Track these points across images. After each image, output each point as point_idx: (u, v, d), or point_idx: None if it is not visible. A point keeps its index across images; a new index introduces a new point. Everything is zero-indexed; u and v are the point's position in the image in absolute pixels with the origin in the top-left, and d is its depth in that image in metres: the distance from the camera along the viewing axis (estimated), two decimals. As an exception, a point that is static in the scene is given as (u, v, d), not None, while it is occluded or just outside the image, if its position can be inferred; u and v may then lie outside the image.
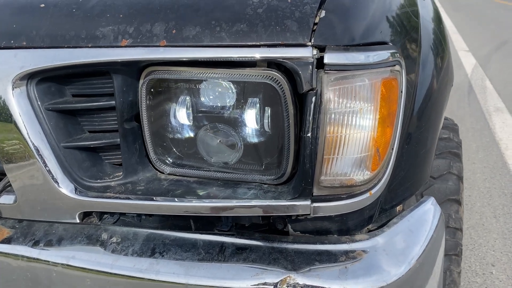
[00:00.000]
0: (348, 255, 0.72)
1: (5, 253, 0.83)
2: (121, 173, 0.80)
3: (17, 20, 0.76)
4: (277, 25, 0.67)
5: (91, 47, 0.71)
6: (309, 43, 0.66)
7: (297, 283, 0.69)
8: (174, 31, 0.69)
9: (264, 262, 0.72)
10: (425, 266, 0.77)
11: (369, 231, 0.81)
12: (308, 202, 0.71)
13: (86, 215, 0.83)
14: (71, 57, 0.71)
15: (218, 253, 0.75)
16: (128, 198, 0.75)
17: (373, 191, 0.73)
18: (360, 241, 0.75)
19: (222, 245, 0.76)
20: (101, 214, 0.85)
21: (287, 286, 0.68)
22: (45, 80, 0.76)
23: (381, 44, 0.74)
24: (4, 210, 0.85)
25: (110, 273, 0.76)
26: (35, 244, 0.82)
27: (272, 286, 0.69)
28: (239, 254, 0.74)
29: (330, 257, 0.72)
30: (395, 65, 0.73)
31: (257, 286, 0.69)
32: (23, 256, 0.82)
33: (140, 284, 0.74)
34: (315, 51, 0.66)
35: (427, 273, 0.78)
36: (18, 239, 0.84)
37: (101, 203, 0.77)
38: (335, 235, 0.78)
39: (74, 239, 0.82)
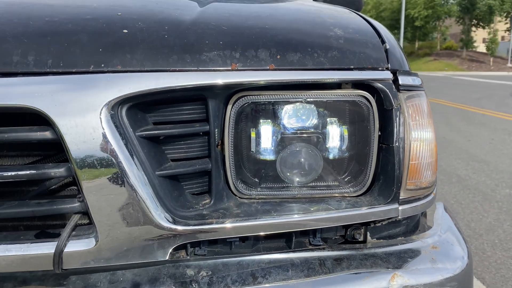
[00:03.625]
0: (428, 249, 0.83)
1: None
2: (207, 200, 0.77)
3: (101, 45, 0.70)
4: (361, 52, 0.79)
5: (200, 70, 0.70)
6: (388, 68, 0.80)
7: (404, 277, 0.76)
8: (278, 56, 0.74)
9: (366, 267, 0.78)
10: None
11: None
12: (396, 206, 0.80)
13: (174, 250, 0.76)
14: (178, 80, 0.69)
15: (320, 267, 0.77)
16: (239, 220, 0.73)
17: (434, 191, 0.87)
18: (428, 238, 0.87)
19: (319, 259, 0.79)
20: (189, 247, 0.78)
21: (398, 281, 0.75)
22: (133, 107, 0.71)
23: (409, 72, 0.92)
24: (73, 260, 0.71)
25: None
26: (106, 297, 0.71)
27: (387, 282, 0.74)
28: (339, 264, 0.78)
29: (416, 253, 0.82)
30: (424, 90, 0.91)
31: (373, 285, 0.74)
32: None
33: None
34: (391, 74, 0.80)
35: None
36: (78, 296, 0.71)
37: (206, 231, 0.72)
38: (402, 237, 0.88)
39: (155, 282, 0.73)
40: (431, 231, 0.90)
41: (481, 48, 48.55)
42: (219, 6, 0.94)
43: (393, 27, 44.92)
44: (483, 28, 38.93)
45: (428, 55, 38.96)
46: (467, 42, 37.32)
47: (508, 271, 2.89)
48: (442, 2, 39.03)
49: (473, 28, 39.23)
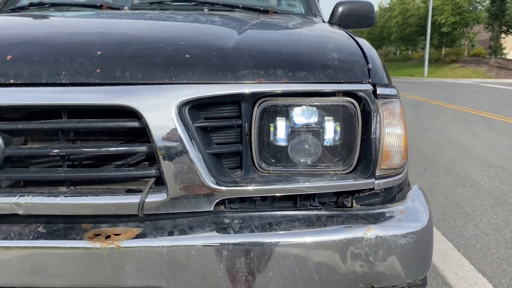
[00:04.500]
0: (396, 213, 1.14)
1: (143, 246, 1.03)
2: (239, 173, 1.11)
3: (172, 65, 1.06)
4: (349, 71, 1.12)
5: (237, 83, 1.05)
6: (369, 82, 1.12)
7: (376, 229, 1.08)
8: (290, 74, 1.08)
9: (350, 222, 1.09)
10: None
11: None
12: (373, 180, 1.12)
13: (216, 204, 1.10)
14: (221, 89, 1.04)
15: (317, 221, 1.10)
16: (260, 185, 1.07)
17: (404, 172, 1.18)
18: (398, 206, 1.18)
19: (316, 216, 1.11)
20: (227, 203, 1.12)
21: (371, 232, 1.07)
22: (192, 107, 1.06)
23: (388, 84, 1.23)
24: (151, 207, 1.06)
25: (243, 243, 1.04)
26: (170, 234, 1.05)
27: (363, 233, 1.06)
28: (331, 219, 1.10)
29: (388, 215, 1.13)
30: (399, 98, 1.22)
31: (353, 234, 1.06)
32: (162, 246, 1.03)
33: (268, 247, 1.04)
34: (371, 86, 1.12)
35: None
36: (152, 233, 1.06)
37: (238, 191, 1.06)
38: (380, 205, 1.19)
39: (203, 226, 1.07)
40: (402, 202, 1.20)
41: (511, 55, 47.26)
42: (251, 35, 1.28)
43: (420, 33, 44.39)
44: (513, 35, 38.00)
45: (455, 62, 38.28)
46: (496, 49, 36.54)
47: (509, 266, 3.12)
48: (470, 8, 38.33)
49: (503, 35, 38.37)
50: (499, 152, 6.82)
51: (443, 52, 42.27)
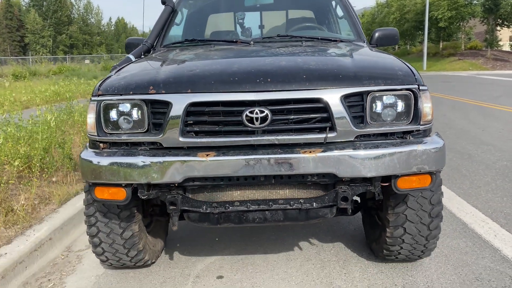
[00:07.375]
0: (429, 140, 2.56)
1: (326, 155, 2.39)
2: (362, 124, 2.54)
3: (336, 80, 2.50)
4: (407, 79, 2.56)
5: (362, 86, 2.49)
6: (416, 83, 2.58)
7: (421, 145, 2.50)
8: (384, 81, 2.51)
9: (411, 143, 2.50)
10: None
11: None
12: (419, 126, 2.55)
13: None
14: (356, 89, 2.44)
15: (396, 143, 2.49)
16: (371, 129, 2.51)
17: (432, 123, 2.63)
18: (429, 138, 2.59)
19: (396, 141, 2.55)
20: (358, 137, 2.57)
21: (420, 147, 2.51)
22: (345, 96, 2.48)
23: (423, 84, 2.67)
24: (328, 139, 2.50)
25: (367, 154, 2.47)
26: (336, 149, 2.49)
27: (416, 147, 2.48)
28: (402, 143, 2.55)
29: (425, 141, 2.53)
30: (428, 90, 2.68)
31: (412, 148, 2.49)
32: (334, 155, 2.47)
33: (378, 155, 2.45)
34: (417, 86, 2.58)
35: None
36: (328, 150, 2.48)
37: (363, 131, 2.44)
38: (422, 137, 2.62)
39: (348, 146, 2.43)
40: (431, 137, 2.64)
41: (507, 47, 48.23)
42: (359, 60, 2.72)
43: (417, 28, 45.39)
44: (508, 27, 39.09)
45: (453, 55, 39.33)
46: (492, 42, 37.65)
47: (494, 203, 4.55)
48: (466, 3, 39.36)
49: (498, 28, 39.44)
50: (491, 134, 8.19)
51: (441, 46, 43.25)
